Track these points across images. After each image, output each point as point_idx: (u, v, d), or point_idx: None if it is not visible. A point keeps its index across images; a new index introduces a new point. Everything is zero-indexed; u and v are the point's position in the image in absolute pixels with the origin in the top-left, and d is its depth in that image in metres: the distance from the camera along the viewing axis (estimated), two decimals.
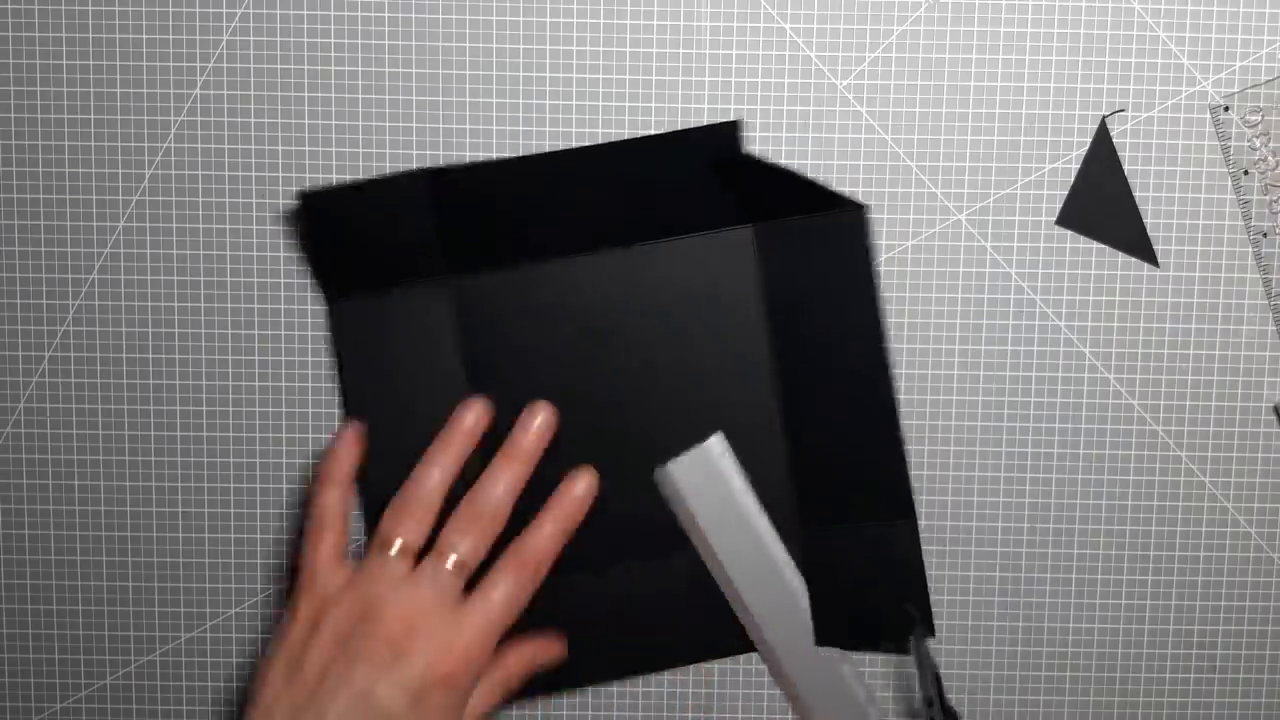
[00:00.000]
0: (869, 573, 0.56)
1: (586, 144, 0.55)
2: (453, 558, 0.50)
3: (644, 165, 0.54)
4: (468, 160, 0.56)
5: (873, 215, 0.56)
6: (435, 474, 0.52)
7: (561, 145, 0.56)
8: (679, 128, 0.56)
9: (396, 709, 0.48)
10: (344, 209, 0.54)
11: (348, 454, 0.53)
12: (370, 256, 0.55)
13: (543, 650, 0.55)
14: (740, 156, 0.55)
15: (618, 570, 0.57)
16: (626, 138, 0.55)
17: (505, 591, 0.51)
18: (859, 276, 0.55)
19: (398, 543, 0.51)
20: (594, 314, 0.56)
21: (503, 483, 0.52)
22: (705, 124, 0.55)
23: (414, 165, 0.56)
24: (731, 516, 0.54)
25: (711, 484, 0.53)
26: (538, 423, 0.54)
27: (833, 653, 0.56)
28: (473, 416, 0.54)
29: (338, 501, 0.52)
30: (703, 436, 0.56)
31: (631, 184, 0.55)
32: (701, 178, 0.55)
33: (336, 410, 0.57)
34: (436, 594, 0.50)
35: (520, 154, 0.56)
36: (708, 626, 0.57)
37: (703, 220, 0.55)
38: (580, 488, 0.54)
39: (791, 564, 0.56)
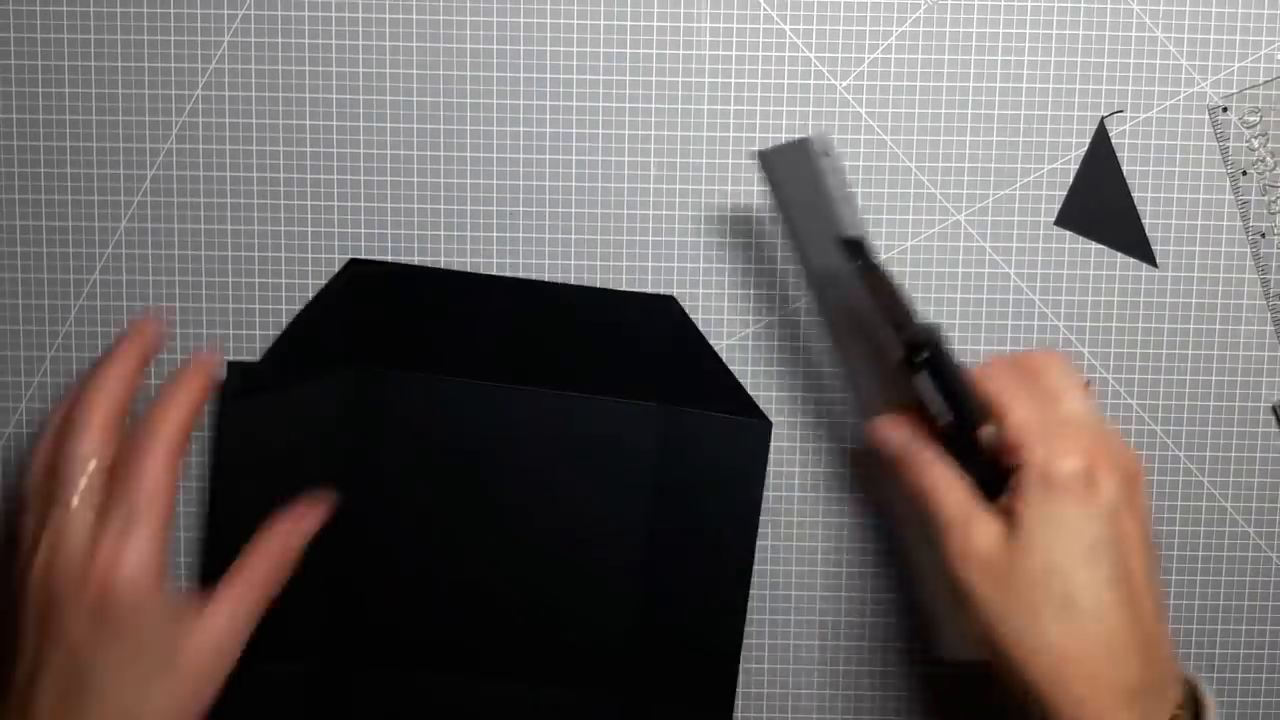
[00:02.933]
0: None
1: (584, 137, 0.55)
2: (81, 482, 0.48)
3: (578, 315, 0.55)
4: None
5: (872, 216, 0.56)
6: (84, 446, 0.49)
7: (561, 145, 0.56)
8: (628, 286, 0.56)
9: (75, 637, 0.46)
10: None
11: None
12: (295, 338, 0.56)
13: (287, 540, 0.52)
14: (675, 332, 0.55)
15: (457, 681, 0.57)
16: (573, 284, 0.56)
17: (141, 480, 0.48)
18: (749, 484, 0.56)
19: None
20: (483, 438, 0.56)
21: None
22: (647, 293, 0.56)
23: (414, 165, 0.56)
24: (817, 205, 0.52)
25: (803, 172, 0.51)
26: (200, 367, 0.52)
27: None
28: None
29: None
30: (566, 577, 0.56)
31: (562, 330, 0.56)
32: (630, 343, 0.56)
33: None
34: (69, 529, 0.48)
35: (519, 144, 0.56)
36: None
37: (619, 384, 0.56)
38: (197, 369, 0.51)
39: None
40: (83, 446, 0.48)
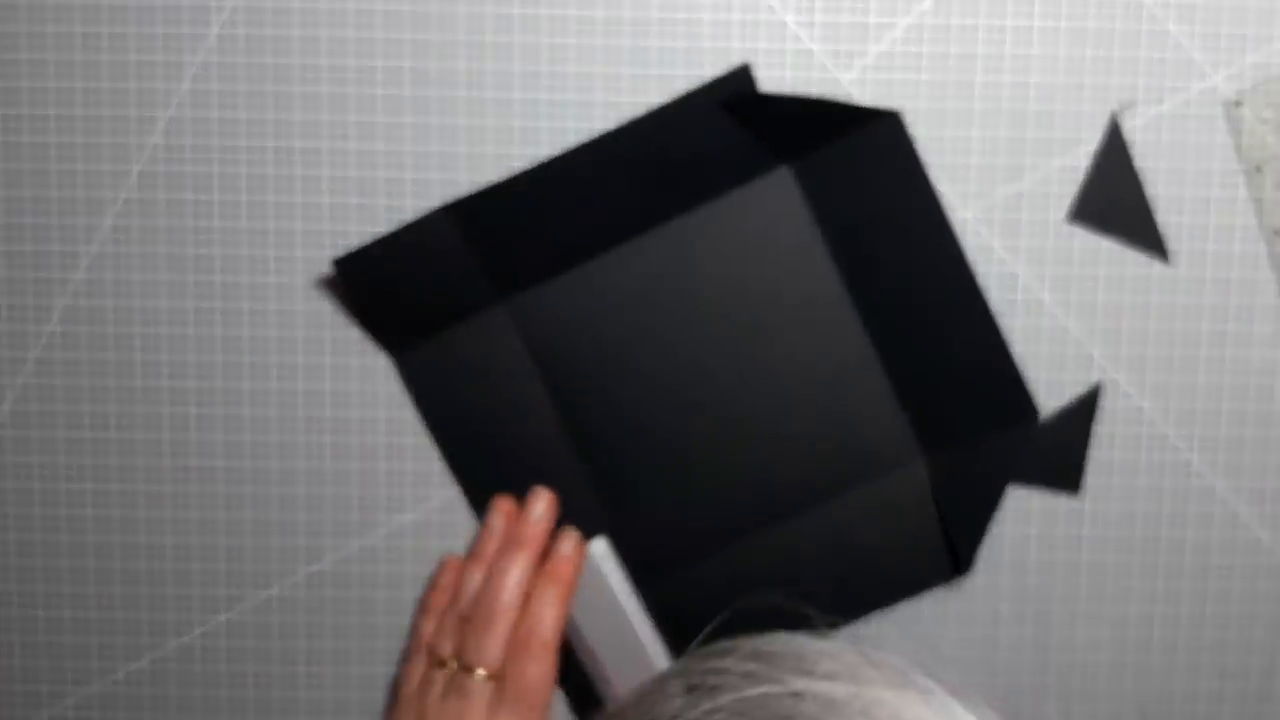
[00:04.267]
0: (999, 485, 0.55)
1: (589, 137, 0.54)
2: (480, 671, 0.53)
3: (665, 137, 0.53)
4: (486, 181, 0.55)
5: None
6: (472, 585, 0.55)
7: (559, 140, 0.55)
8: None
9: None
10: (380, 265, 0.54)
11: (447, 587, 0.56)
12: (420, 303, 0.55)
13: None
14: (756, 97, 0.53)
15: (767, 533, 0.56)
16: (639, 115, 0.54)
17: (530, 675, 0.53)
18: (912, 182, 0.53)
19: (442, 659, 0.54)
20: (657, 294, 0.55)
21: (512, 577, 0.54)
22: (713, 78, 0.54)
23: (408, 163, 0.55)
24: (612, 618, 0.55)
25: (593, 582, 0.55)
26: (538, 512, 0.55)
27: None
28: (501, 520, 0.56)
29: (433, 632, 0.56)
30: (793, 393, 0.55)
31: (658, 160, 0.54)
32: (725, 132, 0.53)
33: (436, 459, 0.57)
34: (469, 702, 0.53)
35: (522, 150, 0.55)
36: (869, 572, 0.56)
37: (739, 174, 0.54)
38: (566, 548, 0.55)
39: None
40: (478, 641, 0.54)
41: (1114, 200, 0.55)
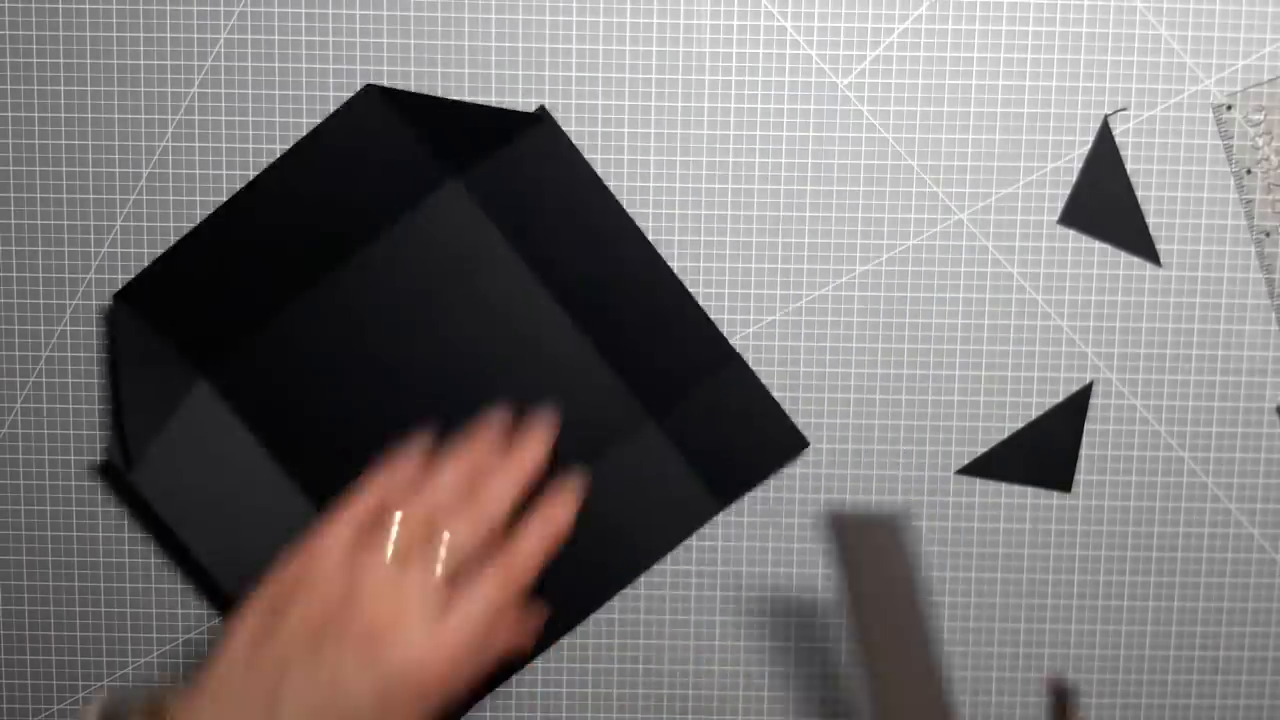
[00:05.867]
0: (727, 425, 0.57)
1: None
2: (445, 535, 0.48)
3: (316, 172, 0.54)
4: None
5: (875, 215, 0.56)
6: (443, 480, 0.50)
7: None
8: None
9: (360, 701, 0.45)
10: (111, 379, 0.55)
11: (382, 483, 0.51)
12: (132, 419, 0.55)
13: (511, 638, 0.51)
14: (414, 104, 0.54)
15: None
16: (288, 148, 0.55)
17: (490, 598, 0.48)
18: (575, 174, 0.55)
19: (394, 531, 0.48)
20: (364, 323, 0.56)
21: (506, 495, 0.50)
22: (337, 107, 0.55)
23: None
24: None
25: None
26: (540, 430, 0.54)
27: None
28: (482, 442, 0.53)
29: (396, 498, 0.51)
30: (521, 389, 0.56)
31: (320, 197, 0.55)
32: (385, 155, 0.54)
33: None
34: (422, 591, 0.47)
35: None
36: (655, 514, 0.57)
37: (412, 193, 0.55)
38: (564, 502, 0.52)
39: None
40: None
41: (1105, 203, 0.56)
